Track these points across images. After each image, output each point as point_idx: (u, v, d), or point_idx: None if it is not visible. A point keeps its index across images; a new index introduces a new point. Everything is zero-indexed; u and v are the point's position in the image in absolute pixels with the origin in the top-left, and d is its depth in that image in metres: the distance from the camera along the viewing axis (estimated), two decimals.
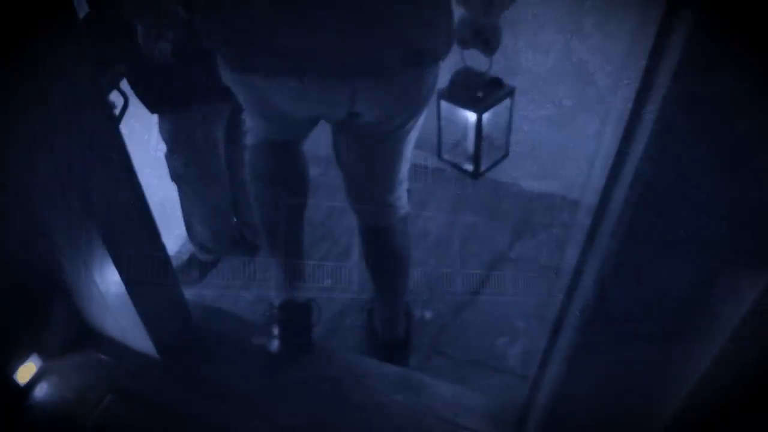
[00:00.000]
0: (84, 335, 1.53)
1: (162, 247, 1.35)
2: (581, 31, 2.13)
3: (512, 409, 1.28)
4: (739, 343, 0.66)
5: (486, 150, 2.28)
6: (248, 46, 1.06)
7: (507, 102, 2.21)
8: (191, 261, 2.18)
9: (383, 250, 1.54)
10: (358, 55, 1.02)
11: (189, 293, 1.98)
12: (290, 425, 1.32)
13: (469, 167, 2.36)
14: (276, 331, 1.45)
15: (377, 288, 1.66)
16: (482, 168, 2.29)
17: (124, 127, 1.60)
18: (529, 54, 2.24)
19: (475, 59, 1.35)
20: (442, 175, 2.35)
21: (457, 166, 2.40)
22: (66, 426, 1.41)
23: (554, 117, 2.33)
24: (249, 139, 1.45)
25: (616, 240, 0.66)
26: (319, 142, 2.23)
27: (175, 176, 1.94)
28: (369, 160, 1.35)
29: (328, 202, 2.20)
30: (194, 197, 2.01)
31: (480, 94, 2.05)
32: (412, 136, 1.31)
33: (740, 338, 0.65)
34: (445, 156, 2.46)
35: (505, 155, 2.38)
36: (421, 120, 1.29)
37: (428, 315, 1.83)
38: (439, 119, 2.33)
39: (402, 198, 1.45)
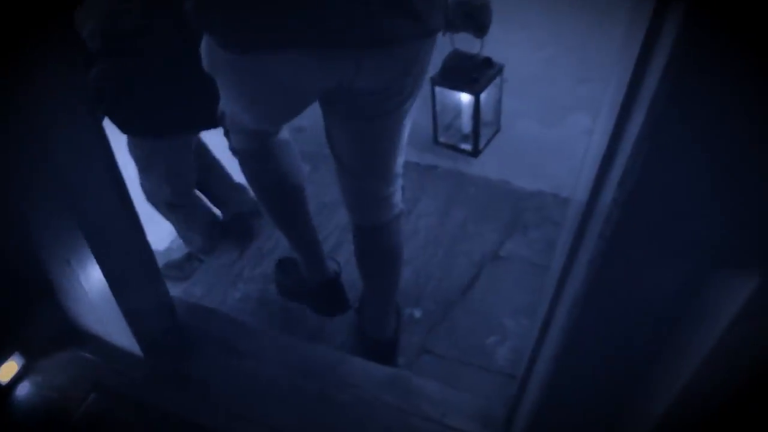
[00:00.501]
0: (67, 333, 1.51)
1: (146, 244, 1.33)
2: (574, 28, 2.12)
3: (500, 409, 1.27)
4: (729, 345, 0.65)
5: (480, 128, 2.28)
6: (251, 22, 1.03)
7: (498, 80, 2.22)
8: (190, 256, 2.16)
9: (377, 249, 1.52)
10: (364, 24, 1.01)
11: (176, 291, 1.97)
12: (276, 425, 1.31)
13: (467, 146, 2.38)
14: (314, 302, 1.75)
15: (368, 286, 1.64)
16: (480, 146, 2.30)
17: (109, 123, 1.58)
18: (521, 51, 2.23)
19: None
20: (433, 173, 2.34)
21: (455, 147, 2.42)
22: (49, 425, 1.39)
23: (546, 115, 2.33)
24: (234, 144, 1.42)
25: (603, 240, 0.65)
26: (308, 140, 2.22)
27: (150, 195, 1.90)
28: (365, 145, 1.32)
29: (318, 199, 2.19)
30: (174, 217, 1.99)
31: (475, 76, 2.06)
32: (408, 121, 1.29)
33: (730, 340, 0.64)
34: (442, 139, 2.47)
35: (498, 130, 2.39)
36: (415, 104, 1.27)
37: (417, 314, 1.82)
38: (433, 105, 2.34)
39: (397, 194, 1.44)
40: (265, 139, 1.39)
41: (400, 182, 1.43)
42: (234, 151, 1.44)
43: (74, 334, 1.52)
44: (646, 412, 0.84)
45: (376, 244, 1.50)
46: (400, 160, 1.37)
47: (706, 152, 0.55)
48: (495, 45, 1.71)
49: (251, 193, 1.85)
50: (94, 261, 1.20)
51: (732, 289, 0.62)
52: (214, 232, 2.12)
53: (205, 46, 1.19)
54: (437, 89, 2.22)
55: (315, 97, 1.25)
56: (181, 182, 1.87)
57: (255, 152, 1.41)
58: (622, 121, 0.64)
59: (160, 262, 2.20)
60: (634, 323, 0.76)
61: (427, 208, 2.18)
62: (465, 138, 2.34)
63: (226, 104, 1.35)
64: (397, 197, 1.44)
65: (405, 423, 1.29)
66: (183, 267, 2.17)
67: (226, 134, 1.43)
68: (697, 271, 0.66)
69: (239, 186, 2.09)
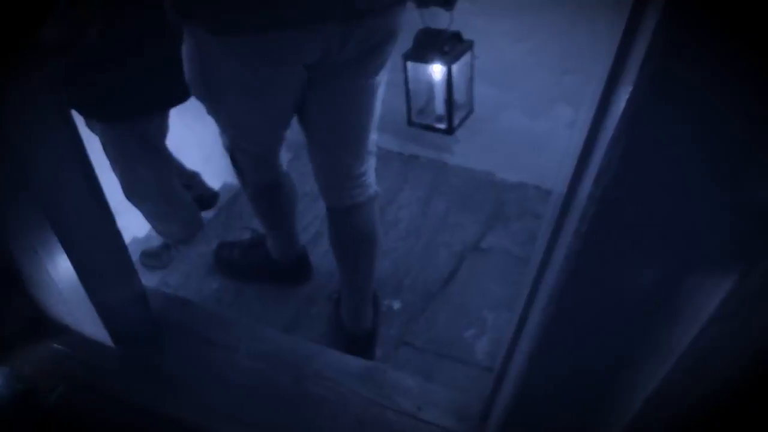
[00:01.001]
0: (36, 323, 1.47)
1: (117, 234, 1.30)
2: (559, 19, 2.10)
3: (477, 403, 1.26)
4: (703, 346, 0.64)
5: (454, 108, 2.25)
6: (234, 6, 1.04)
7: (468, 57, 2.20)
8: (168, 244, 2.13)
9: (351, 232, 1.51)
10: None
11: (153, 279, 1.93)
12: (249, 418, 1.29)
13: (442, 125, 2.35)
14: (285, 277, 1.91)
15: (344, 273, 1.62)
16: (454, 123, 2.26)
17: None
18: (505, 42, 2.20)
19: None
20: (414, 163, 2.32)
21: (429, 128, 2.39)
22: (18, 417, 1.36)
23: (530, 106, 2.31)
24: (248, 179, 1.54)
25: (579, 236, 0.63)
26: (290, 127, 2.19)
27: (129, 189, 1.87)
28: (340, 117, 1.33)
29: (299, 189, 2.16)
30: (154, 210, 1.96)
31: (446, 48, 2.06)
32: (380, 93, 1.34)
33: (704, 341, 0.63)
34: (416, 120, 2.44)
35: (471, 111, 2.37)
36: (386, 77, 1.33)
37: (396, 305, 1.81)
38: (406, 83, 2.31)
39: (369, 173, 1.44)
40: (271, 161, 1.52)
41: (373, 162, 1.44)
42: (248, 185, 1.58)
43: (44, 325, 1.48)
44: (620, 410, 0.83)
45: (351, 227, 1.49)
46: (373, 137, 1.39)
47: (684, 149, 0.53)
48: (478, 35, 1.69)
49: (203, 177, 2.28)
50: (62, 250, 1.17)
51: (709, 289, 0.61)
52: (195, 218, 2.10)
53: (198, 59, 1.19)
54: (410, 64, 2.19)
55: (305, 76, 1.25)
56: (150, 171, 1.84)
57: (266, 186, 1.57)
58: (601, 114, 0.62)
59: (140, 248, 2.17)
60: (610, 321, 0.75)
61: (408, 198, 2.16)
62: (439, 119, 2.31)
63: (232, 129, 1.39)
64: (371, 177, 1.45)
65: (379, 417, 1.27)
66: (160, 256, 2.14)
67: (240, 173, 1.54)
68: (673, 270, 0.64)
69: (194, 172, 2.25)
